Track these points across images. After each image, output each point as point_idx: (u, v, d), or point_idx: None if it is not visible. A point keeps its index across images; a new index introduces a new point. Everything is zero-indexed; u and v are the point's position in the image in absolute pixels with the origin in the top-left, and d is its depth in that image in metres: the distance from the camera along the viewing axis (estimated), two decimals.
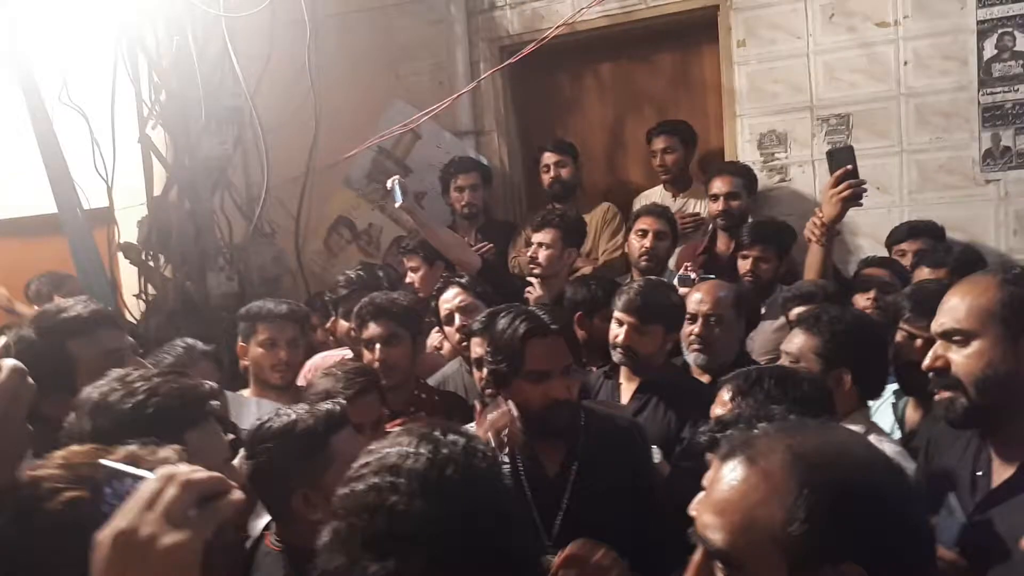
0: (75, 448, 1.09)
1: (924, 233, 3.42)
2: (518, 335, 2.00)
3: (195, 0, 3.81)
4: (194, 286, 4.07)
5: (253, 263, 4.31)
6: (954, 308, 1.53)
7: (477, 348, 2.57)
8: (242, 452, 1.74)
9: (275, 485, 1.68)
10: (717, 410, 1.80)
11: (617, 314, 2.60)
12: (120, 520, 0.86)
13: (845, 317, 2.17)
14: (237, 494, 0.93)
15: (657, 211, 3.64)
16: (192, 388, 1.53)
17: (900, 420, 2.38)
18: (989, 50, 3.68)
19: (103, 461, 0.96)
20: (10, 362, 1.26)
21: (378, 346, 2.66)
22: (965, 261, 2.77)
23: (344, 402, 1.81)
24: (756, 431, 1.00)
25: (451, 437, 1.11)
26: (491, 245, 3.86)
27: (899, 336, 2.23)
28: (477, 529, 1.03)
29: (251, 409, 2.51)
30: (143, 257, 4.06)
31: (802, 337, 2.11)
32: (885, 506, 0.89)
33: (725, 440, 1.03)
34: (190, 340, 2.69)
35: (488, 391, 2.49)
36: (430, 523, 1.01)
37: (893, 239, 3.47)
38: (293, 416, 1.71)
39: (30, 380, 1.29)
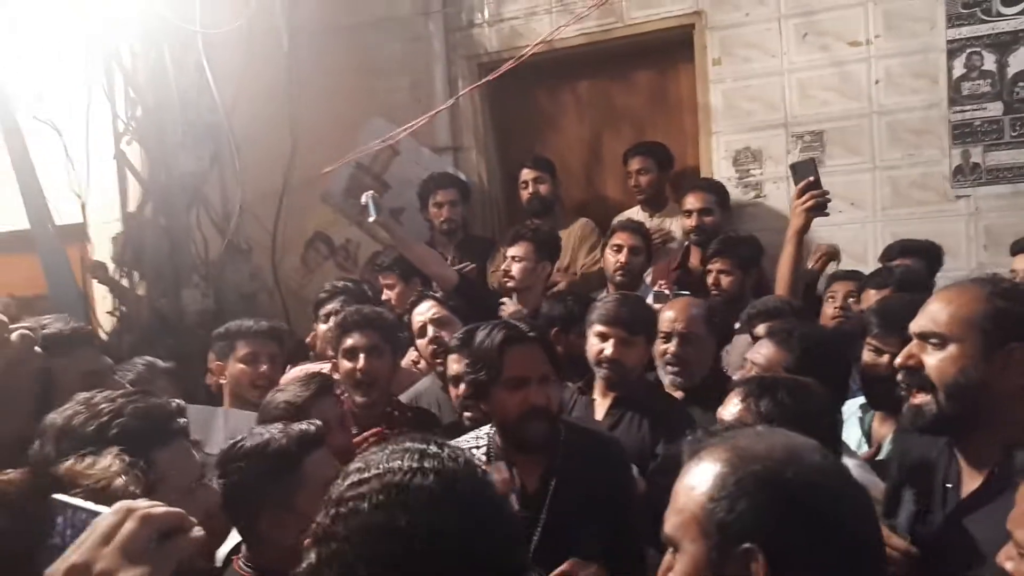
0: (9, 474, 1.07)
1: (917, 252, 3.32)
2: (496, 343, 2.02)
3: (171, 16, 3.81)
4: (168, 303, 4.03)
5: (229, 280, 4.29)
6: (936, 311, 1.54)
7: (454, 365, 2.56)
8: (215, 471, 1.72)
9: (246, 506, 1.65)
10: (724, 414, 1.79)
11: (600, 328, 2.57)
12: (74, 554, 0.83)
13: (815, 334, 2.19)
14: (197, 531, 0.91)
15: (632, 227, 3.67)
16: (158, 407, 1.51)
17: (867, 434, 2.39)
18: (958, 69, 3.75)
19: (56, 496, 0.92)
20: (21, 330, 1.24)
21: (362, 356, 2.62)
22: (907, 281, 2.79)
23: (319, 423, 1.78)
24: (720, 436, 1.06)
25: (450, 451, 1.08)
26: (473, 265, 3.86)
27: (866, 351, 2.25)
28: (486, 546, 1.01)
29: (219, 421, 2.47)
30: (115, 275, 4.02)
31: (772, 349, 2.12)
32: (810, 505, 0.95)
33: (689, 445, 1.09)
34: (149, 358, 2.66)
35: (466, 411, 2.49)
36: (443, 540, 0.98)
37: (887, 256, 3.43)
38: (266, 435, 1.69)
39: (38, 349, 1.28)
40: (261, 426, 1.77)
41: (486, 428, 2.15)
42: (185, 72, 4.01)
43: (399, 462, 1.04)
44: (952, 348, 1.50)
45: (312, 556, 1.02)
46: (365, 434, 2.43)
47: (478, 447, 2.09)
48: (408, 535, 0.98)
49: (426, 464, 1.03)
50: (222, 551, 1.83)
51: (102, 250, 4.12)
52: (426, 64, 4.53)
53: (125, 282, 4.09)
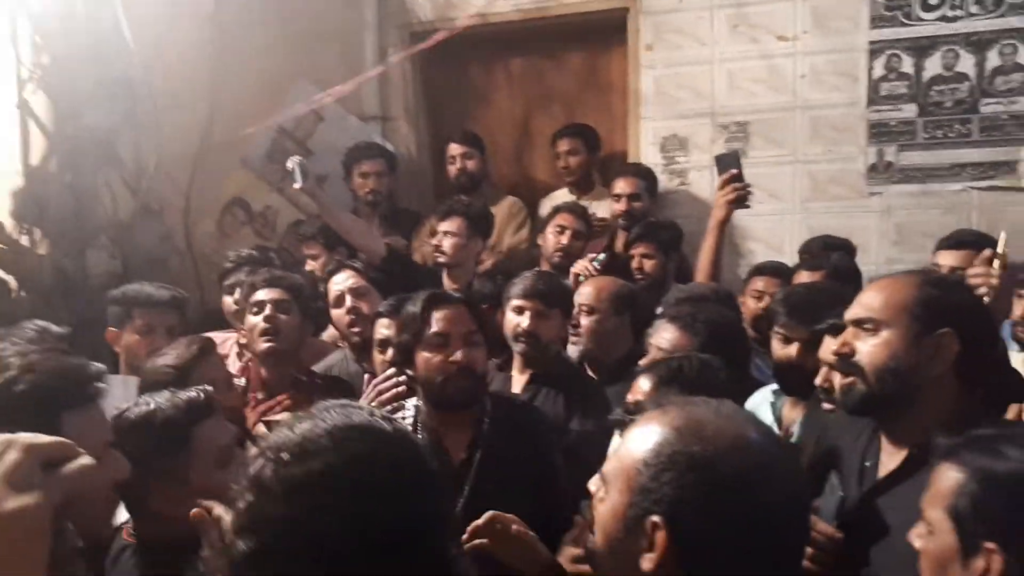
0: None
1: (837, 248, 3.34)
2: (420, 304, 2.07)
3: None
4: (72, 264, 3.83)
5: (139, 242, 4.09)
6: (871, 298, 1.59)
7: (382, 330, 2.54)
8: None
9: (134, 478, 1.54)
10: (634, 396, 1.81)
11: (517, 302, 2.60)
12: None
13: (720, 319, 2.24)
14: (86, 459, 0.88)
15: (577, 210, 3.66)
16: (74, 367, 1.43)
17: (778, 419, 2.46)
18: (879, 70, 3.87)
19: None
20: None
21: (268, 306, 2.58)
22: (841, 269, 2.88)
23: (208, 390, 1.69)
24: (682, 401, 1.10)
25: (381, 423, 1.01)
26: (405, 242, 3.80)
27: (775, 340, 2.31)
28: (419, 522, 0.96)
29: (116, 389, 2.35)
30: (14, 232, 3.78)
31: (676, 334, 2.15)
32: (734, 499, 0.96)
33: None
34: (42, 322, 2.48)
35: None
36: (369, 519, 0.92)
37: (807, 250, 3.44)
38: (152, 405, 1.60)
39: None
40: (147, 394, 1.68)
41: (413, 400, 2.14)
42: (99, 21, 3.79)
43: (323, 422, 0.98)
44: (885, 333, 1.55)
45: (238, 516, 0.95)
46: (271, 401, 2.37)
47: (403, 417, 2.09)
48: (329, 488, 0.93)
49: (376, 430, 0.98)
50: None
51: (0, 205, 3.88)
52: (356, 30, 4.41)
53: (25, 240, 3.85)
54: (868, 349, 1.56)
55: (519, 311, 2.59)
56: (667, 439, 1.01)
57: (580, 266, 3.27)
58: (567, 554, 1.71)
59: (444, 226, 3.47)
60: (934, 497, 1.22)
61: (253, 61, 4.26)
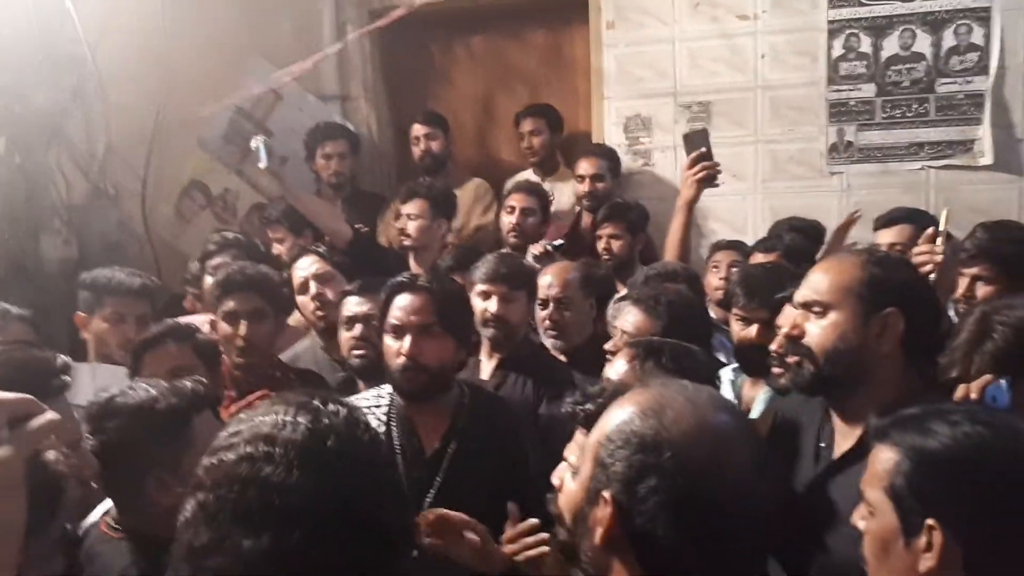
0: None
1: (803, 230, 3.31)
2: (387, 290, 2.06)
3: None
4: (25, 249, 3.72)
5: (94, 227, 3.99)
6: (817, 281, 1.62)
7: (351, 307, 2.50)
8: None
9: (126, 466, 1.54)
10: (611, 375, 1.81)
11: (482, 287, 2.58)
12: None
13: (682, 301, 2.26)
14: (50, 414, 0.91)
15: (527, 187, 3.67)
16: (39, 361, 1.38)
17: (738, 397, 2.50)
18: (837, 49, 3.91)
19: None
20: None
21: (243, 323, 2.49)
22: (793, 250, 2.92)
23: (205, 381, 1.68)
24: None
25: (331, 407, 1.04)
26: (367, 228, 3.76)
27: (734, 321, 2.34)
28: (357, 504, 0.98)
29: (84, 377, 2.30)
30: None
31: (640, 316, 2.16)
32: (678, 484, 0.97)
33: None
34: (4, 304, 2.44)
35: (356, 351, 2.46)
36: (309, 497, 0.95)
37: (775, 231, 3.39)
38: (153, 392, 1.57)
39: None
40: (142, 381, 1.65)
41: (389, 387, 2.11)
42: None
43: (272, 416, 1.01)
44: (833, 315, 1.58)
45: (189, 508, 0.98)
46: (249, 398, 2.33)
47: (379, 404, 2.06)
48: (269, 487, 0.94)
49: (299, 418, 1.00)
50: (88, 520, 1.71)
51: None
52: (314, 7, 4.32)
53: None
54: (817, 332, 1.59)
55: (485, 296, 2.57)
56: (629, 417, 1.03)
57: (537, 249, 3.27)
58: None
59: (408, 208, 3.44)
60: (872, 478, 1.24)
61: (207, 37, 4.14)
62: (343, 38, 4.25)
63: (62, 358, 1.46)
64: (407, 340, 1.99)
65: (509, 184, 4.10)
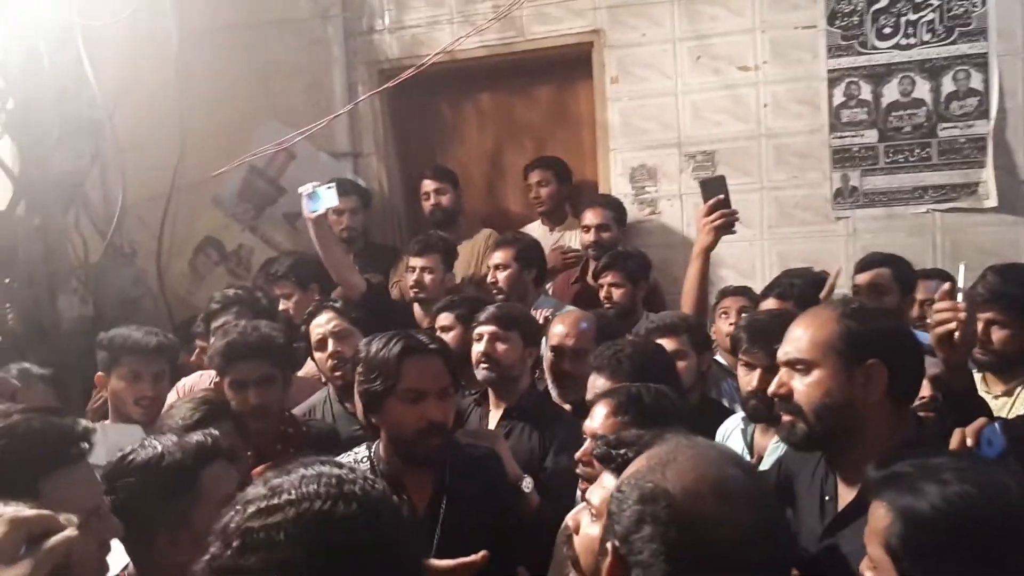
0: None
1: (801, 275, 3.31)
2: (393, 352, 1.95)
3: (48, 4, 3.58)
4: (43, 309, 3.79)
5: (110, 285, 4.06)
6: (797, 339, 1.62)
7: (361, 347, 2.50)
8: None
9: (137, 524, 1.53)
10: (593, 425, 1.81)
11: (477, 331, 2.64)
12: None
13: (642, 352, 2.25)
14: (71, 531, 0.90)
15: (506, 240, 3.63)
16: (57, 428, 1.39)
17: (749, 446, 2.48)
18: (838, 97, 3.97)
19: None
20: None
21: (251, 391, 2.47)
22: (805, 296, 2.90)
23: (214, 434, 1.69)
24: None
25: (363, 474, 1.04)
26: (383, 280, 3.79)
27: (740, 368, 2.34)
28: (401, 567, 1.00)
29: (96, 437, 2.32)
30: None
31: (605, 381, 2.15)
32: (684, 535, 0.99)
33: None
34: (25, 364, 2.48)
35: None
36: (364, 569, 0.95)
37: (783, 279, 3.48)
38: (159, 448, 1.59)
39: None
40: (152, 437, 1.67)
41: (363, 450, 2.08)
42: (63, 65, 3.78)
43: (314, 487, 0.98)
44: (816, 373, 1.58)
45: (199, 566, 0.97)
46: (262, 468, 2.32)
47: (360, 464, 2.02)
48: (332, 569, 0.94)
49: (346, 490, 0.98)
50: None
51: None
52: (324, 68, 4.45)
53: None
54: (803, 389, 1.59)
55: (478, 338, 2.62)
56: (637, 471, 1.06)
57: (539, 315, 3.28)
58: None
59: (421, 262, 3.50)
60: (872, 534, 1.24)
61: (220, 100, 4.27)
62: (354, 98, 4.35)
63: (83, 423, 1.47)
64: (437, 406, 1.94)
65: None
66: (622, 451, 1.41)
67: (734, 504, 1.01)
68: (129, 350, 2.70)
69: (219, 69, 4.28)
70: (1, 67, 3.71)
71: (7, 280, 3.76)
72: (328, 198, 3.23)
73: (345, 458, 2.05)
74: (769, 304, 2.92)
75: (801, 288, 2.95)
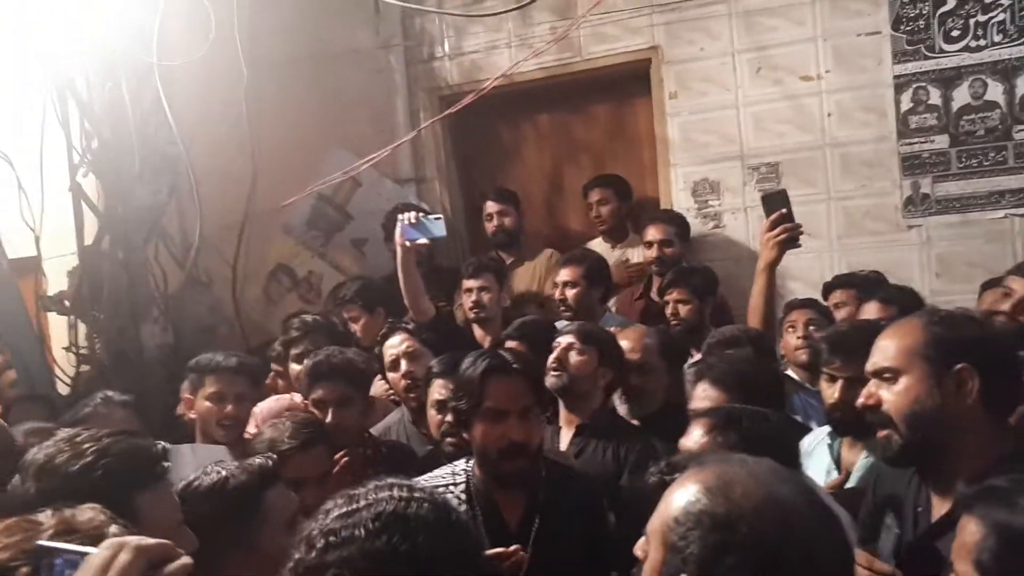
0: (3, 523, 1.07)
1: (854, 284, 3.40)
2: (478, 372, 2.00)
3: (128, 47, 3.77)
4: (127, 338, 3.95)
5: (189, 313, 4.22)
6: (884, 348, 1.61)
7: (439, 391, 2.54)
8: None
9: (206, 547, 1.57)
10: (688, 443, 1.80)
11: (556, 340, 2.65)
12: None
13: (749, 366, 2.23)
14: (186, 559, 0.98)
15: (574, 258, 3.64)
16: (143, 449, 1.48)
17: (836, 460, 2.42)
18: (906, 103, 3.89)
19: (40, 542, 0.99)
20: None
21: (331, 410, 2.57)
22: (906, 307, 2.83)
23: (275, 457, 1.76)
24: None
25: (426, 500, 1.10)
26: (447, 305, 3.86)
27: (822, 380, 2.29)
28: (473, 569, 1.06)
29: (185, 458, 2.42)
30: (67, 307, 3.93)
31: (715, 393, 2.12)
32: (743, 534, 0.96)
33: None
34: (109, 392, 2.61)
35: (448, 437, 2.47)
36: (442, 564, 1.02)
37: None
38: (224, 473, 1.66)
39: None
40: (215, 463, 1.74)
41: (462, 464, 2.11)
42: (143, 104, 3.97)
43: (387, 493, 1.07)
44: (904, 380, 1.57)
45: None
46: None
47: (455, 483, 2.05)
48: (411, 559, 1.00)
49: (416, 495, 1.07)
50: None
51: (57, 284, 4.03)
52: (387, 96, 4.55)
53: (79, 317, 4.00)
54: (892, 398, 1.58)
55: (555, 347, 2.63)
56: (697, 498, 1.02)
57: None
58: None
59: (477, 283, 3.55)
60: (960, 549, 1.21)
61: (288, 131, 4.41)
62: (416, 125, 4.45)
63: (162, 444, 1.56)
64: (518, 426, 1.96)
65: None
66: (675, 476, 1.40)
67: (799, 516, 1.00)
68: (212, 370, 2.82)
69: (287, 101, 4.43)
70: (86, 109, 3.91)
71: (95, 313, 3.94)
72: (436, 229, 3.31)
73: (443, 471, 2.11)
74: (872, 308, 2.86)
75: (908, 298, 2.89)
